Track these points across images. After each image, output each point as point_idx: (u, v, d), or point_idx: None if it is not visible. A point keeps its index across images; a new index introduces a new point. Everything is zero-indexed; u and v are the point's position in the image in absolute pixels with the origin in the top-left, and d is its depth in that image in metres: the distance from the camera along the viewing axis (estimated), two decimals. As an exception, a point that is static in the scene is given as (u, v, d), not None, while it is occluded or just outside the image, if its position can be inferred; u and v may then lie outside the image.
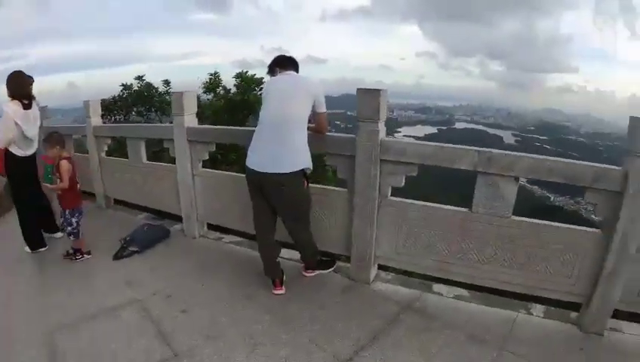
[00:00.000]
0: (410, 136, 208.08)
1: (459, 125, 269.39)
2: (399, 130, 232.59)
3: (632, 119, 3.36)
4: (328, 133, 4.16)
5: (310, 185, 3.89)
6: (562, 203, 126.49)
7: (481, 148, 3.67)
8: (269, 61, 3.85)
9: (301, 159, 3.50)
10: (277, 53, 4.05)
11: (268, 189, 3.52)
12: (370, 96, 3.88)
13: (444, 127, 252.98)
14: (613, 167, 3.41)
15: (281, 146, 3.43)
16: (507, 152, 3.68)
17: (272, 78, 3.79)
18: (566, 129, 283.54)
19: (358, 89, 3.91)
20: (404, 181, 3.97)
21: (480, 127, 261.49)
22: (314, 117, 3.82)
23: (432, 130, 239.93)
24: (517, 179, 3.62)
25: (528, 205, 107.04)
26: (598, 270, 3.38)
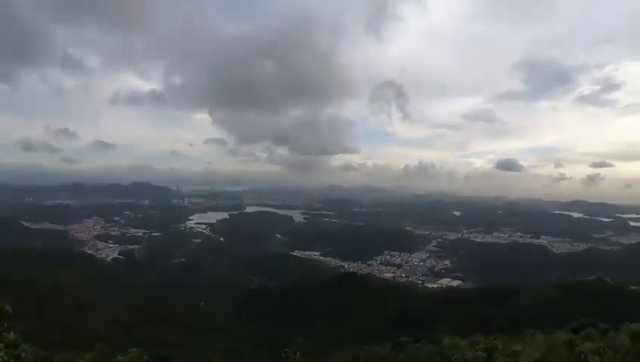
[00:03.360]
0: (202, 223, 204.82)
1: (250, 209, 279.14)
2: (191, 218, 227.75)
3: None
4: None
5: None
6: (355, 268, 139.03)
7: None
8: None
9: None
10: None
11: None
12: None
13: (236, 212, 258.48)
14: None
15: None
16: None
17: None
18: (350, 202, 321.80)
19: None
20: None
21: (270, 209, 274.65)
22: None
23: (223, 215, 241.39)
24: None
25: (328, 275, 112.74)
26: None
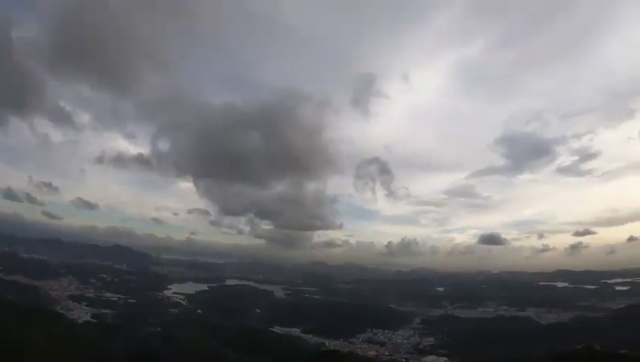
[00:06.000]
0: (180, 294, 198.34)
1: (229, 282, 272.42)
2: (169, 287, 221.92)
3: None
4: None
5: None
6: (337, 346, 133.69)
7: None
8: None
9: None
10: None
11: None
12: None
13: (215, 284, 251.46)
14: None
15: None
16: None
17: None
18: (333, 279, 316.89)
19: None
20: None
21: (251, 283, 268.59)
22: None
23: (203, 286, 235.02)
24: None
25: (308, 352, 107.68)
26: None
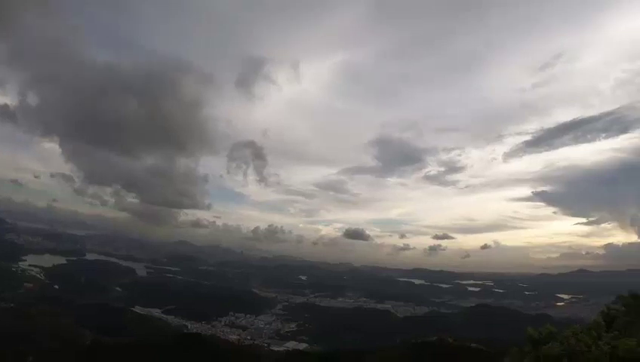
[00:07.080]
0: (36, 267, 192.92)
1: (90, 256, 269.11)
2: (24, 258, 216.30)
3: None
4: None
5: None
6: (199, 328, 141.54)
7: None
8: None
9: None
10: None
11: None
12: None
13: (75, 258, 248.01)
14: None
15: None
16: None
17: None
18: (197, 260, 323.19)
19: None
20: None
21: (112, 259, 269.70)
22: None
23: (61, 260, 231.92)
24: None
25: (169, 334, 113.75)
26: None
